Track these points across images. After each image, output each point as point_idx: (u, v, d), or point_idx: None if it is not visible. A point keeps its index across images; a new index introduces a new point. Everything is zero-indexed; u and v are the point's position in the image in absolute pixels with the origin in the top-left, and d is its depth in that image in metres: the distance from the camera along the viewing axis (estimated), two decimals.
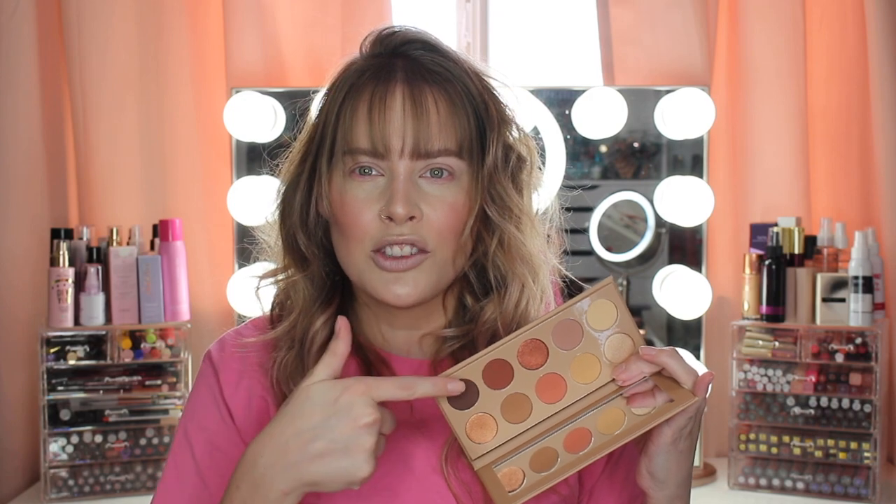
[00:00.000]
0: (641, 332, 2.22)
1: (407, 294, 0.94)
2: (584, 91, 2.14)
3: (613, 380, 0.92)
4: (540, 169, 1.04)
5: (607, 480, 1.04)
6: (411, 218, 0.93)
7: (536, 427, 0.91)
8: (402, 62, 0.96)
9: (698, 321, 2.18)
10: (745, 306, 2.04)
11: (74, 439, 1.97)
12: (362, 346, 1.03)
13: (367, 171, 0.94)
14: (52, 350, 1.96)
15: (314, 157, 0.99)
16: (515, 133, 1.00)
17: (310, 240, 1.00)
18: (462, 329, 1.01)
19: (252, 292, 1.06)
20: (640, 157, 2.25)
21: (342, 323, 0.89)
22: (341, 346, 0.89)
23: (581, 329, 0.92)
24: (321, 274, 1.01)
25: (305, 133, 1.01)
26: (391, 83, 0.94)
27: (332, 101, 0.97)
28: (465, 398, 0.90)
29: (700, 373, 0.90)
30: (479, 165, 0.96)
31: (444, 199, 0.94)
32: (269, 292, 1.06)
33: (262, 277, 1.05)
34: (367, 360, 1.01)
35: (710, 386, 0.90)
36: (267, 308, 1.06)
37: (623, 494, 1.03)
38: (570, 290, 1.08)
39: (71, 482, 1.97)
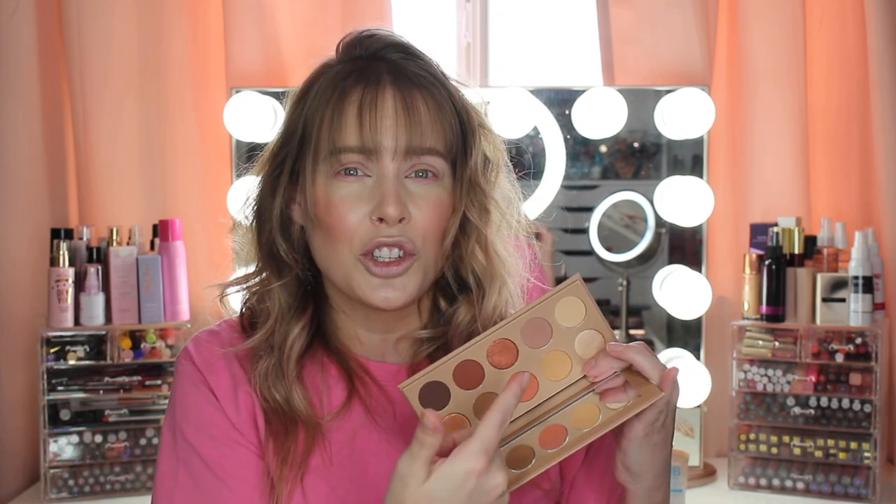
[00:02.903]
0: (641, 332, 2.25)
1: (396, 297, 0.95)
2: (584, 91, 2.14)
3: (585, 376, 0.92)
4: (509, 170, 1.04)
5: (587, 472, 1.04)
6: (401, 220, 0.93)
7: (510, 426, 0.91)
8: (386, 66, 0.96)
9: (698, 321, 2.18)
10: (745, 306, 2.04)
11: (74, 439, 1.97)
12: (340, 353, 1.02)
13: (353, 171, 0.94)
14: (52, 350, 1.96)
15: (293, 160, 0.98)
16: (485, 136, 1.01)
17: (290, 245, 1.00)
18: (437, 331, 1.02)
19: (217, 300, 1.04)
20: (640, 157, 2.25)
21: (433, 418, 0.81)
22: (433, 440, 0.81)
23: (550, 327, 0.92)
24: (297, 280, 1.01)
25: (279, 136, 1.00)
26: (381, 85, 0.95)
27: (314, 104, 0.97)
28: (437, 400, 0.89)
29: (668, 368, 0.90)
30: (462, 168, 0.97)
31: (429, 199, 0.95)
32: (235, 298, 1.05)
33: (229, 285, 1.04)
34: (347, 367, 1.01)
35: (677, 380, 0.90)
36: (235, 311, 1.05)
37: (603, 485, 1.03)
38: None
39: (71, 482, 1.97)
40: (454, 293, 1.02)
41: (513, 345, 0.91)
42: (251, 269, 1.04)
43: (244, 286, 1.03)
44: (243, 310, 1.05)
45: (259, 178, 1.01)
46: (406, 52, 0.99)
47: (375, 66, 0.96)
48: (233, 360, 1.00)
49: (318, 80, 0.98)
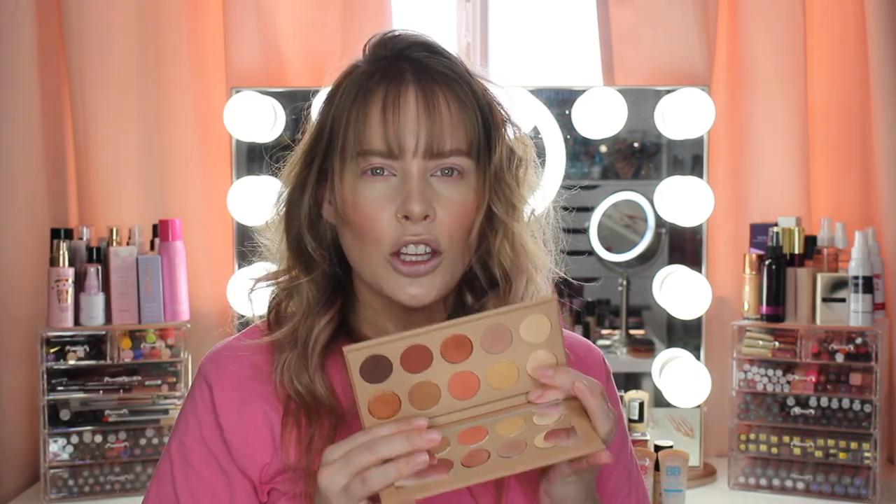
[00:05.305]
0: (641, 332, 2.25)
1: (423, 294, 0.96)
2: (584, 91, 2.14)
3: (525, 393, 0.92)
4: (536, 166, 1.06)
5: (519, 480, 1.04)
6: (426, 217, 0.95)
7: (438, 419, 0.91)
8: (409, 65, 0.98)
9: (698, 321, 2.18)
10: (745, 306, 2.04)
11: (74, 439, 1.97)
12: None
13: (379, 171, 0.96)
14: (52, 350, 1.96)
15: (322, 159, 1.00)
16: (512, 133, 1.03)
17: (318, 243, 1.02)
18: None
19: (247, 294, 1.06)
20: (640, 157, 2.25)
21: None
22: None
23: (511, 337, 0.92)
24: (325, 276, 1.02)
25: (309, 136, 1.02)
26: (403, 84, 0.96)
27: (340, 104, 0.98)
28: (377, 373, 0.89)
29: (611, 428, 0.88)
30: (487, 164, 0.99)
31: (454, 199, 0.96)
32: (262, 295, 1.07)
33: (260, 280, 1.06)
34: None
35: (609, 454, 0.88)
36: (258, 311, 1.07)
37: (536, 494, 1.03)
38: (569, 289, 1.12)
39: (71, 482, 1.97)
40: (482, 287, 1.03)
41: (469, 343, 0.91)
42: (275, 267, 1.06)
43: (274, 282, 1.05)
44: (270, 310, 1.06)
45: (289, 177, 1.03)
46: (430, 51, 1.00)
47: (399, 66, 0.98)
48: (248, 373, 1.02)
49: (345, 81, 1.00)
